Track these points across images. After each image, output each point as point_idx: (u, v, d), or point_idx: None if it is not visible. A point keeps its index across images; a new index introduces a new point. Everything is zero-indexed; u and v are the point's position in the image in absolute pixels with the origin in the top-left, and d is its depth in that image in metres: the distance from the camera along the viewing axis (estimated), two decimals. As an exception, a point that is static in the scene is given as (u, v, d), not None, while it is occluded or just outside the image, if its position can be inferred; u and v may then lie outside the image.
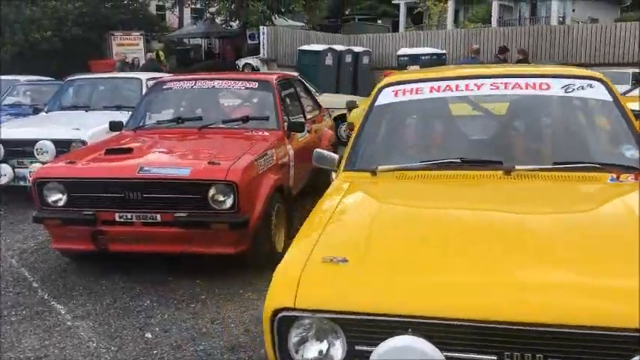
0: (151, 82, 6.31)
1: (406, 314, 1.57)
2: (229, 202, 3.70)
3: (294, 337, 1.67)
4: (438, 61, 17.95)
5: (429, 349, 1.49)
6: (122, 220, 3.82)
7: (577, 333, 1.48)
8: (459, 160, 2.56)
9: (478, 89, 2.88)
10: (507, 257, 1.79)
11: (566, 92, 2.78)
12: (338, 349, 1.65)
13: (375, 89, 3.06)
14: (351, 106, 7.99)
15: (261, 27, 18.63)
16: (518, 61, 11.18)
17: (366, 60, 19.41)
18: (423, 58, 17.93)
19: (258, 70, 17.48)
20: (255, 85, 5.14)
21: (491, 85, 2.87)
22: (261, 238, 3.97)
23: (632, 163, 2.47)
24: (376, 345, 1.58)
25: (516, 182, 2.43)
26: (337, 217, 2.17)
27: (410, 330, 1.53)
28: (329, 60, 18.05)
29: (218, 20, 23.21)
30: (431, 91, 2.92)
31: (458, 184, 2.46)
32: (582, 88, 2.77)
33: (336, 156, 2.91)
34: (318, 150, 2.98)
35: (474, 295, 1.59)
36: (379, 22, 39.81)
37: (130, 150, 4.12)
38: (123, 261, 4.16)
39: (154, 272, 4.05)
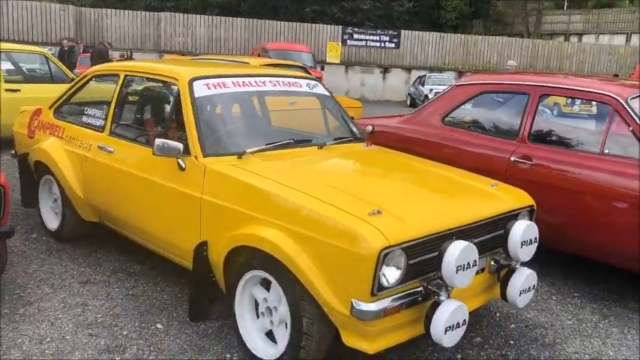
0: None
1: (444, 230, 2.64)
2: (-7, 210, 3.09)
3: (389, 267, 2.44)
4: None
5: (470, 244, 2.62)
6: None
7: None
8: (292, 141, 3.47)
9: (264, 85, 3.74)
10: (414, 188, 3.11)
11: (310, 89, 4.01)
12: (401, 267, 2.53)
13: (183, 83, 3.38)
14: None
15: None
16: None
17: None
18: None
19: None
20: None
21: (270, 82, 3.79)
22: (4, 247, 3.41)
23: (360, 135, 4.00)
24: (423, 256, 2.58)
25: (331, 151, 3.57)
26: (307, 190, 2.77)
27: (454, 237, 2.63)
28: None
29: None
30: (235, 86, 3.57)
31: (314, 156, 3.41)
32: (316, 86, 4.07)
33: (180, 145, 3.17)
34: (162, 139, 3.15)
35: (453, 212, 2.80)
36: None
37: None
38: None
39: None
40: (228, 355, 2.95)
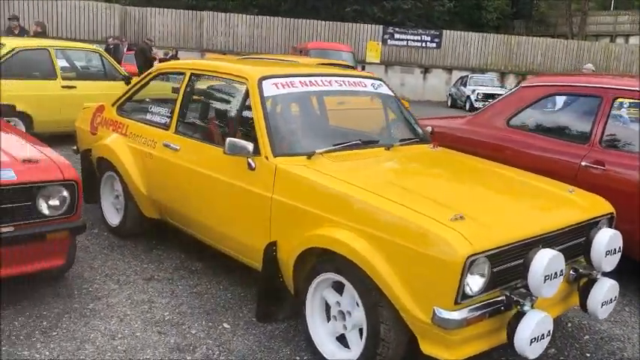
0: None
1: (529, 237, 2.54)
2: (66, 205, 3.12)
3: (473, 275, 2.36)
4: None
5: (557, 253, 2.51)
6: None
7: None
8: (360, 142, 3.41)
9: (331, 85, 3.69)
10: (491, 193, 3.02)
11: (375, 89, 3.95)
12: (485, 275, 2.44)
13: (253, 82, 3.35)
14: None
15: None
16: (37, 34, 10.70)
17: None
18: None
19: None
20: None
21: (336, 82, 3.74)
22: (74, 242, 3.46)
23: (425, 136, 3.91)
24: (506, 264, 2.48)
25: (398, 152, 3.50)
26: (382, 192, 2.71)
27: (540, 245, 2.53)
28: None
29: None
30: (302, 85, 3.53)
31: (383, 157, 3.36)
32: (380, 85, 4.00)
33: (250, 144, 3.14)
34: (233, 139, 3.13)
35: (536, 219, 2.71)
36: None
37: None
38: None
39: None
40: (297, 358, 2.91)
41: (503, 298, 2.50)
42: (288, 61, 7.38)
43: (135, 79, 7.97)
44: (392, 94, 4.07)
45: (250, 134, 3.28)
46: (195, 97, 3.97)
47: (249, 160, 3.15)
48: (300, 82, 3.53)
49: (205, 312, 3.32)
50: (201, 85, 4.00)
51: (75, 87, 7.54)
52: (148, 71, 4.43)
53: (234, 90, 3.64)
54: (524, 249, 2.52)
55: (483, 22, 33.56)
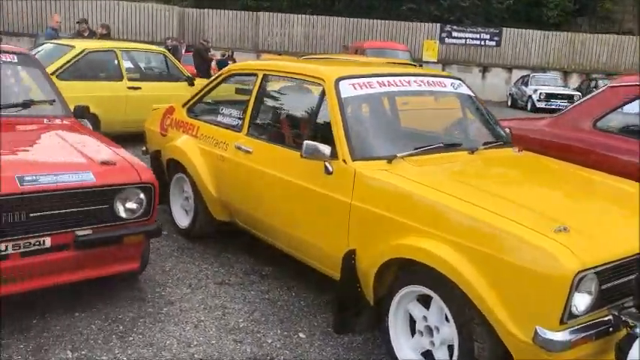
0: None
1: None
2: (143, 208, 3.08)
3: (580, 293, 2.16)
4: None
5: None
6: (-12, 255, 2.64)
7: None
8: (442, 145, 3.24)
9: (409, 85, 3.53)
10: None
11: (454, 89, 3.76)
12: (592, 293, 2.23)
13: (330, 83, 3.23)
14: None
15: None
16: (102, 36, 10.97)
17: None
18: None
19: None
20: (14, 58, 3.89)
21: (415, 81, 3.57)
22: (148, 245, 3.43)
23: (508, 139, 3.69)
24: (615, 281, 2.27)
25: (483, 156, 3.30)
26: (475, 200, 2.52)
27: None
28: None
29: None
30: (381, 86, 3.38)
31: (468, 161, 3.17)
32: (460, 85, 3.81)
33: (328, 148, 3.02)
34: (311, 142, 3.01)
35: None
36: None
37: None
38: None
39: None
40: (379, 373, 2.77)
41: (611, 318, 2.29)
42: (357, 61, 7.26)
43: (198, 81, 8.07)
44: (472, 94, 3.87)
45: (327, 137, 3.15)
46: (267, 98, 3.88)
47: (327, 164, 3.03)
48: (377, 82, 3.38)
49: (279, 320, 3.22)
50: (274, 86, 3.91)
51: (140, 88, 7.63)
52: (219, 72, 4.37)
53: (309, 91, 3.53)
54: (635, 265, 2.30)
55: (544, 20, 32.42)
